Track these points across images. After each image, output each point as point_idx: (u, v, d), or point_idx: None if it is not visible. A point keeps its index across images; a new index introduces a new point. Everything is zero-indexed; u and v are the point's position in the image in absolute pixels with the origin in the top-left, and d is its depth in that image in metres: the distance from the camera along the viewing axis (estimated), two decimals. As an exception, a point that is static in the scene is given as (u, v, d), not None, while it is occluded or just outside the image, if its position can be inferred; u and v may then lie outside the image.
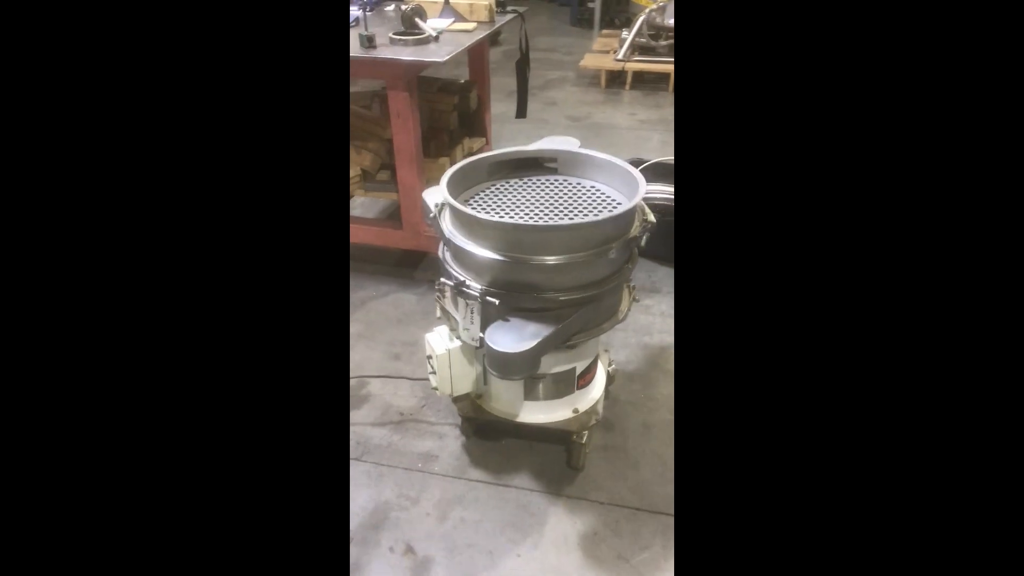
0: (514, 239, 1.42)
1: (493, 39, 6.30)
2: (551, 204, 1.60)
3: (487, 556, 1.52)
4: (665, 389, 2.03)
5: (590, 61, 5.04)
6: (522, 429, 1.76)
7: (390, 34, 2.25)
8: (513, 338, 1.39)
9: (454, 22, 2.51)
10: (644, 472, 1.74)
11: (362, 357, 2.17)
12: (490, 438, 1.84)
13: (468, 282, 1.49)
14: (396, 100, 2.20)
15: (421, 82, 2.81)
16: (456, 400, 1.79)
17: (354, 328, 2.31)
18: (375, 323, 2.34)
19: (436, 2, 2.58)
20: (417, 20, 2.33)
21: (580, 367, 1.70)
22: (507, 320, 1.45)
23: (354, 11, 2.47)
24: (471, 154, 2.86)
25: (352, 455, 1.79)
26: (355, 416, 1.92)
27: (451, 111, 2.74)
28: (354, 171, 2.54)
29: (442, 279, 1.53)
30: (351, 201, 2.87)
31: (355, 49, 2.17)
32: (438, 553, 1.52)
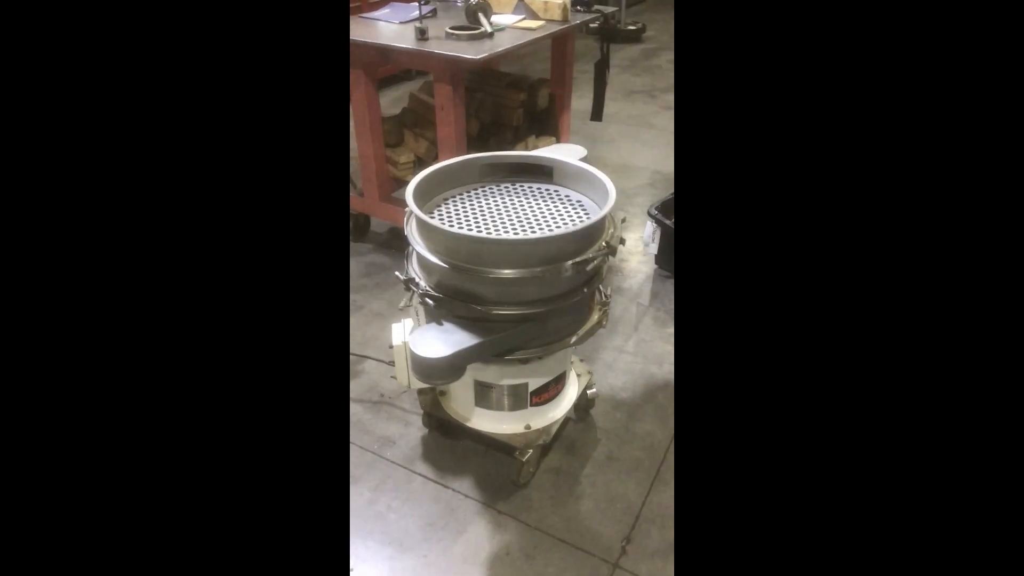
0: (453, 246, 1.41)
1: (635, 37, 6.14)
2: (524, 214, 1.56)
3: (395, 547, 1.55)
4: (649, 426, 1.90)
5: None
6: (474, 433, 1.75)
7: (447, 28, 2.30)
8: (434, 343, 1.39)
9: (523, 19, 2.50)
10: (585, 504, 1.66)
11: (372, 335, 2.28)
12: (450, 436, 1.86)
13: (417, 280, 1.51)
14: (440, 93, 2.25)
15: (489, 76, 2.84)
16: (420, 392, 1.83)
17: (376, 306, 2.43)
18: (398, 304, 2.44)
19: (512, -2, 2.58)
20: (480, 15, 2.36)
21: (533, 384, 1.66)
22: (440, 324, 1.46)
23: (424, 6, 2.56)
24: (535, 152, 2.84)
25: (324, 424, 1.91)
26: (342, 388, 2.04)
27: (517, 107, 2.74)
28: (408, 157, 2.65)
29: (396, 272, 1.57)
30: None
31: (410, 41, 2.25)
32: (353, 535, 1.58)
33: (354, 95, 2.47)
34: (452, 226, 1.49)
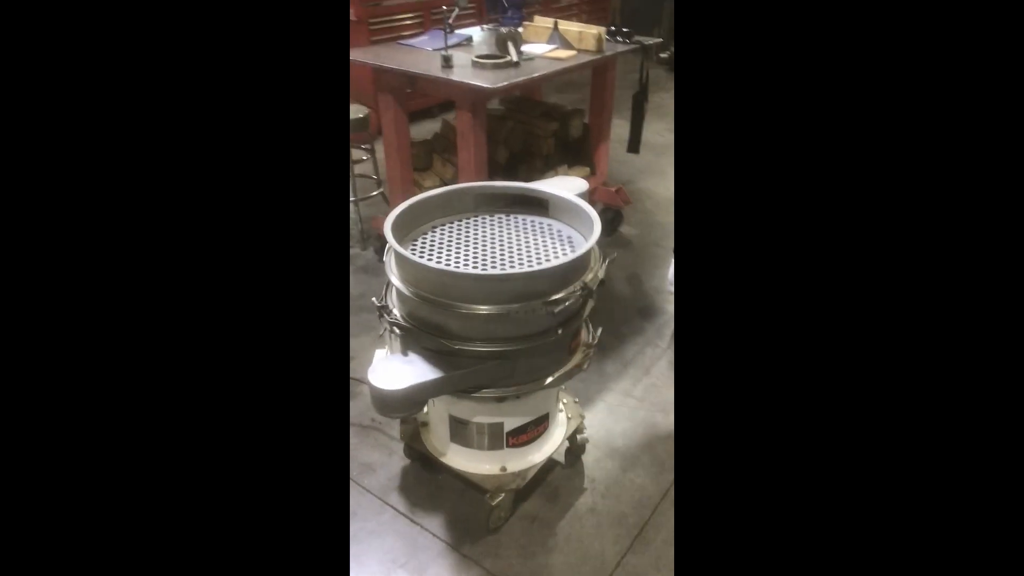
0: (421, 277, 1.38)
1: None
2: (507, 247, 1.51)
3: (351, 582, 1.51)
4: (641, 479, 1.78)
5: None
6: (450, 470, 1.69)
7: (473, 56, 2.30)
8: (394, 375, 1.35)
9: (555, 49, 2.47)
10: (555, 558, 1.56)
11: (378, 357, 2.26)
12: (430, 470, 1.80)
13: (391, 308, 1.49)
14: (461, 120, 2.25)
15: (523, 104, 2.82)
16: (402, 422, 1.79)
17: (388, 328, 2.42)
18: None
19: (548, 27, 2.56)
20: (509, 44, 2.35)
21: (510, 424, 1.58)
22: (405, 355, 1.42)
23: (461, 32, 2.57)
24: (566, 183, 2.79)
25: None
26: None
27: (548, 137, 2.70)
28: (434, 182, 2.65)
29: (373, 298, 1.55)
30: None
31: (436, 68, 2.26)
32: (312, 561, 1.55)
33: (384, 119, 2.50)
34: (427, 257, 1.46)
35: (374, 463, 1.84)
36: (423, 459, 1.81)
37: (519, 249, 1.51)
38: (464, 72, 2.22)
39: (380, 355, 1.67)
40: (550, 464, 1.80)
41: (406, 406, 1.36)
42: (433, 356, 1.40)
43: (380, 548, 1.59)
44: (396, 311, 1.47)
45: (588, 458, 1.85)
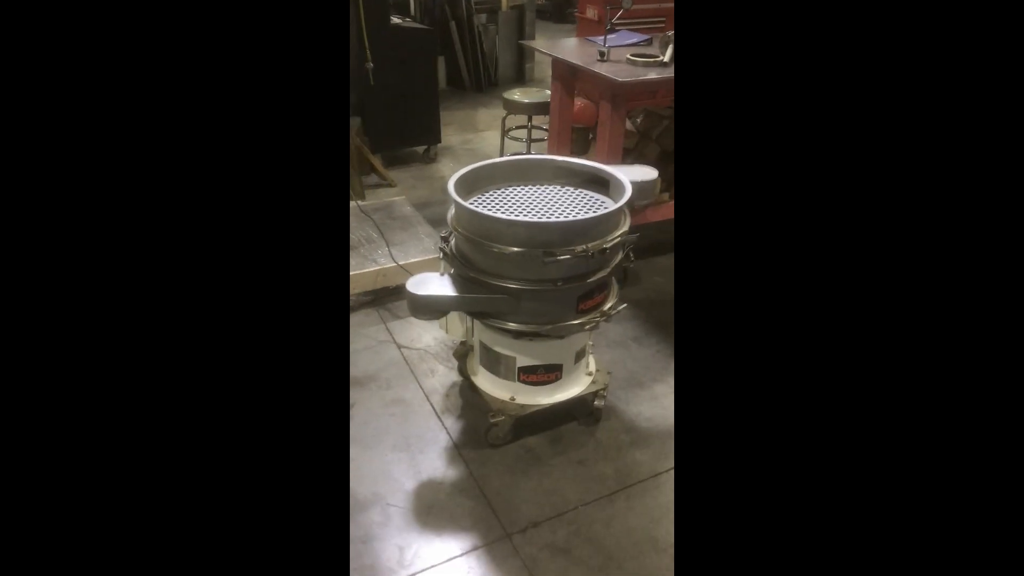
0: (459, 214, 1.71)
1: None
2: (548, 209, 1.76)
3: (372, 434, 1.93)
4: (640, 458, 1.88)
5: None
6: (477, 389, 2.00)
7: (628, 54, 2.50)
8: (423, 285, 1.72)
9: (718, 55, 2.53)
10: (527, 483, 1.79)
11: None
12: (474, 389, 2.13)
13: (448, 238, 1.85)
14: (602, 109, 2.48)
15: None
16: (460, 343, 2.15)
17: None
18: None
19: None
20: (669, 47, 2.49)
21: (522, 361, 1.84)
22: (442, 275, 1.77)
23: (629, 36, 2.76)
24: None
25: (402, 343, 2.37)
26: (430, 334, 2.47)
27: (702, 141, 2.75)
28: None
29: (441, 233, 1.92)
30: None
31: (591, 62, 2.52)
32: (357, 412, 2.02)
33: (552, 103, 2.85)
34: (471, 203, 1.78)
35: (436, 370, 2.24)
36: (469, 379, 2.16)
37: (556, 211, 1.74)
38: (614, 67, 2.44)
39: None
40: (567, 417, 2.00)
41: (427, 309, 1.72)
42: (458, 279, 1.74)
43: (401, 429, 1.98)
44: (451, 242, 1.83)
45: (605, 425, 2.00)
